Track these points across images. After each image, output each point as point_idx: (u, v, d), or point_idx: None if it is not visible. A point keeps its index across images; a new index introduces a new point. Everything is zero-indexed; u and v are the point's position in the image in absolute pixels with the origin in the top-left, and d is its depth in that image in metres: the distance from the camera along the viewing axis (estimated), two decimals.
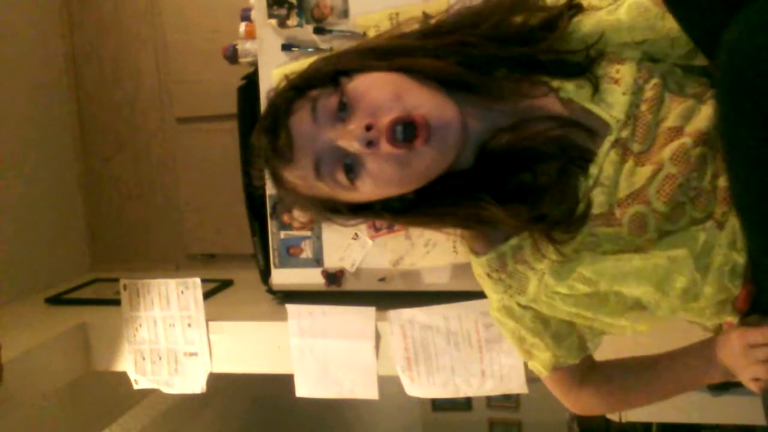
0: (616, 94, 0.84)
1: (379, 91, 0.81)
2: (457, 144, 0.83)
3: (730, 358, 0.89)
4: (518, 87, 0.86)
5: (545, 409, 3.59)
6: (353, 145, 0.80)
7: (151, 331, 2.12)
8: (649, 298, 0.85)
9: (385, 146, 0.80)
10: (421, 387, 1.91)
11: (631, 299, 0.87)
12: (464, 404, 3.89)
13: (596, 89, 0.84)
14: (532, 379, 1.82)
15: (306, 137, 0.83)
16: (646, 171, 0.82)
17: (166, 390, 2.16)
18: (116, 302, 2.16)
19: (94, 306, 2.36)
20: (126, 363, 2.17)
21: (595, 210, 0.84)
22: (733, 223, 0.81)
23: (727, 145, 0.76)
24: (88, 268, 2.82)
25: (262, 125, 0.87)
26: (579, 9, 0.87)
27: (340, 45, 1.91)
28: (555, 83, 0.86)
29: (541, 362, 0.98)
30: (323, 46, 1.92)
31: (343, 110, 0.81)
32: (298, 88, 0.86)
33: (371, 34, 1.88)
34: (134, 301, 2.13)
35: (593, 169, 0.84)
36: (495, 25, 0.86)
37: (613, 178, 0.83)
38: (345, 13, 1.89)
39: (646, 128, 0.83)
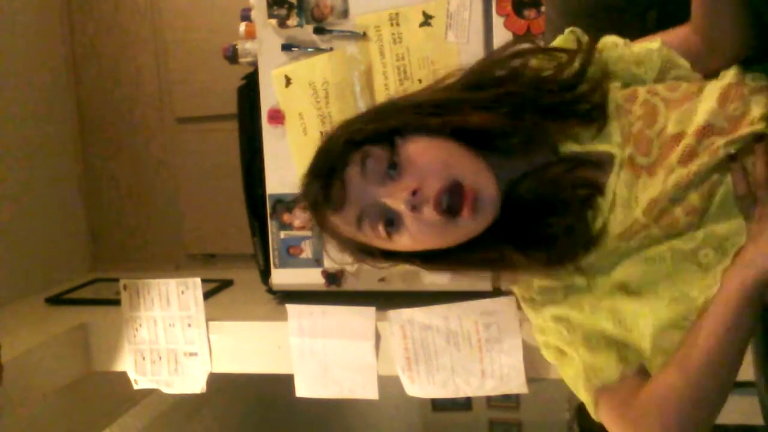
0: (609, 124, 0.88)
1: (429, 157, 0.86)
2: (494, 213, 0.86)
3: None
4: (549, 133, 0.90)
5: (545, 409, 3.59)
6: (399, 207, 0.85)
7: (151, 331, 2.12)
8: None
9: (429, 213, 0.84)
10: (421, 387, 1.91)
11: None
12: (464, 404, 3.87)
13: (600, 130, 0.88)
14: (532, 379, 1.82)
15: (355, 190, 0.87)
16: (659, 178, 0.84)
17: (166, 390, 2.16)
18: (116, 302, 2.16)
19: (94, 306, 2.36)
20: (126, 363, 2.17)
21: (617, 229, 0.84)
22: None
23: None
24: (88, 268, 2.83)
25: (316, 171, 0.92)
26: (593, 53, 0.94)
27: (340, 45, 1.92)
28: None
29: (582, 377, 0.88)
30: (323, 46, 1.92)
31: (393, 169, 0.86)
32: (354, 142, 0.89)
33: (371, 34, 1.88)
34: (134, 301, 2.13)
35: (607, 196, 0.86)
36: (534, 76, 0.92)
37: (628, 197, 0.85)
38: (345, 13, 1.89)
39: (646, 141, 0.86)
